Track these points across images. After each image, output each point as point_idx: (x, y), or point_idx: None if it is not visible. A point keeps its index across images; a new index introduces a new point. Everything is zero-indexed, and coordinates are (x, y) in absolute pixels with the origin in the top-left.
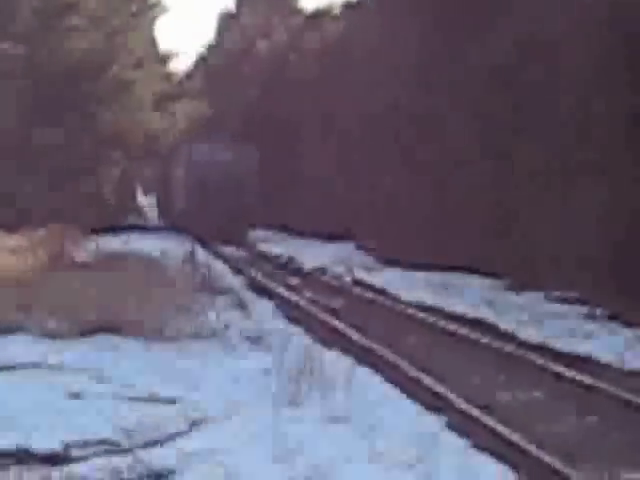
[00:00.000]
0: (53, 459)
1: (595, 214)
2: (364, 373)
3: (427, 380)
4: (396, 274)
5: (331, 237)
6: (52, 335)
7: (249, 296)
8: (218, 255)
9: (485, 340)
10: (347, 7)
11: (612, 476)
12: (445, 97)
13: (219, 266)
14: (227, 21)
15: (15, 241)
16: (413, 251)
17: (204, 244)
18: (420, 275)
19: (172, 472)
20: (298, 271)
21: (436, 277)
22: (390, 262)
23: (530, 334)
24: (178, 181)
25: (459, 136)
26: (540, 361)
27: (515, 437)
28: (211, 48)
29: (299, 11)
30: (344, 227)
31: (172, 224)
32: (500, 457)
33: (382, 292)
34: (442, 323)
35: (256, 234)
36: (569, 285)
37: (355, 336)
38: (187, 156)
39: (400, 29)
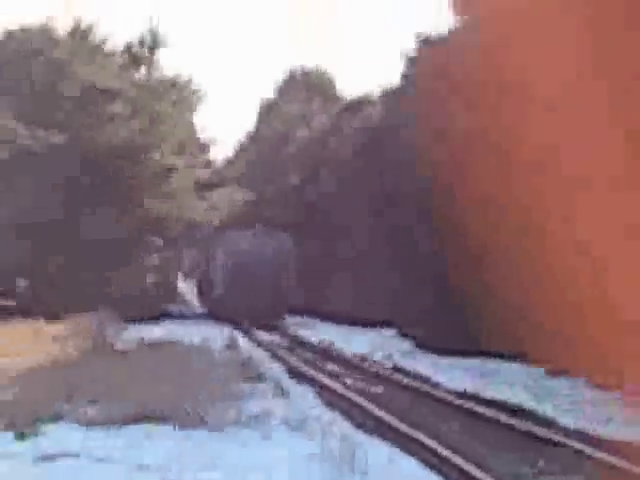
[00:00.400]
0: None
1: None
2: (404, 460)
3: (467, 466)
4: (436, 360)
5: (372, 323)
6: (93, 423)
7: (289, 383)
8: (258, 342)
9: (525, 426)
10: (386, 93)
11: None
12: None
13: (259, 353)
14: (267, 109)
15: (57, 329)
16: (453, 337)
17: (245, 331)
18: (460, 361)
19: None
20: (338, 358)
21: (475, 363)
22: (430, 348)
23: (569, 421)
24: (216, 268)
25: None
26: (579, 446)
27: None
28: (251, 135)
29: (338, 98)
30: (385, 313)
31: (211, 310)
32: None
33: (422, 378)
34: (482, 409)
35: (296, 320)
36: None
37: (395, 423)
38: (225, 244)
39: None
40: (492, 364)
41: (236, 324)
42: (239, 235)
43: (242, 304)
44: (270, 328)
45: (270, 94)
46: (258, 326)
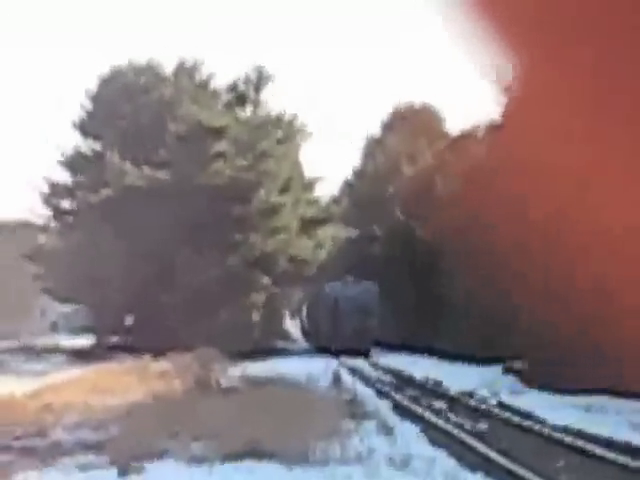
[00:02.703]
0: None
1: None
2: None
3: None
4: (542, 397)
5: (476, 359)
6: (198, 460)
7: (394, 420)
8: (363, 378)
9: (634, 464)
10: (491, 128)
11: None
12: None
13: (364, 390)
14: (372, 145)
15: (163, 365)
16: (558, 374)
17: (351, 369)
18: (566, 398)
19: None
20: (443, 394)
21: (581, 400)
22: (536, 385)
23: None
24: (318, 308)
25: None
26: None
27: None
28: (357, 172)
29: (444, 134)
30: (489, 349)
31: (314, 341)
32: None
33: (528, 415)
34: (589, 447)
35: (401, 357)
36: None
37: (501, 460)
38: (324, 289)
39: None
40: (598, 399)
41: (334, 353)
42: (335, 284)
43: (337, 335)
44: (360, 354)
45: (376, 130)
46: (349, 352)
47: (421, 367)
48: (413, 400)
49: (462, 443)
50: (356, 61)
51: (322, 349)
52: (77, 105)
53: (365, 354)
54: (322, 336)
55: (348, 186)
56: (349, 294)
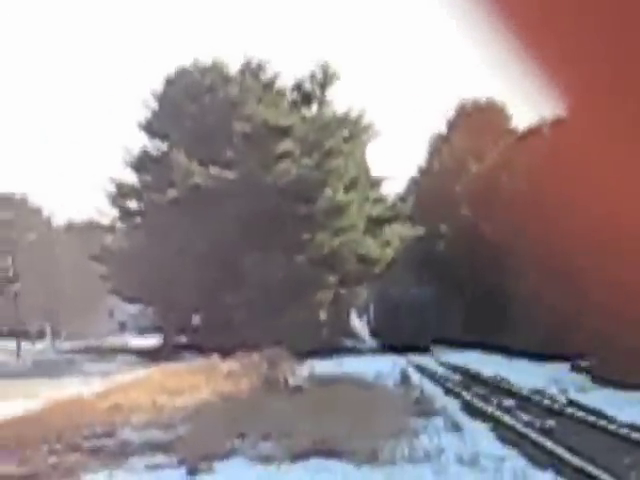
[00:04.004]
0: None
1: None
2: None
3: None
4: (610, 394)
5: (541, 356)
6: (266, 459)
7: (463, 418)
8: (431, 376)
9: None
10: (554, 124)
11: None
12: None
13: (432, 388)
14: (438, 143)
15: (230, 365)
16: (626, 371)
17: (419, 367)
18: (634, 395)
19: None
20: (511, 392)
21: None
22: (605, 382)
23: None
24: (383, 308)
25: None
26: None
27: None
28: (422, 170)
29: (511, 131)
30: (556, 346)
31: (380, 338)
32: None
33: (596, 413)
34: None
35: (467, 355)
36: None
37: (569, 457)
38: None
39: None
40: None
41: (400, 351)
42: (397, 289)
43: (400, 333)
44: (420, 350)
45: (441, 127)
46: (410, 348)
47: (487, 364)
48: (481, 398)
49: (531, 441)
50: (421, 57)
51: (389, 347)
52: (143, 105)
53: (425, 350)
54: (386, 334)
55: (414, 184)
56: (410, 293)
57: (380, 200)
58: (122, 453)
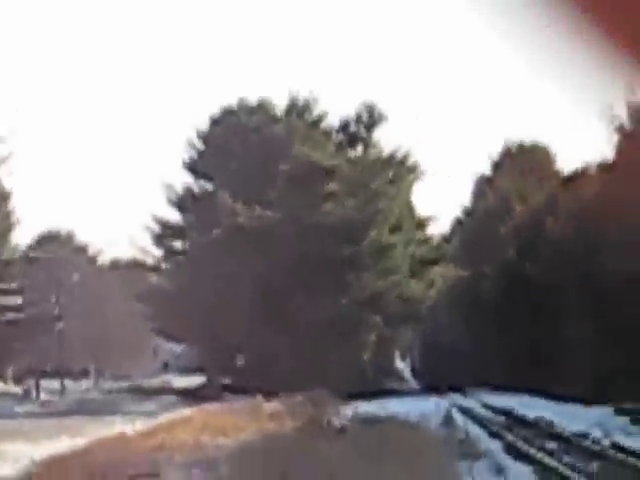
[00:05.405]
0: None
1: None
2: None
3: None
4: None
5: (586, 400)
6: None
7: (507, 460)
8: (475, 418)
9: None
10: (602, 167)
11: None
12: None
13: (476, 430)
14: (483, 184)
15: (273, 406)
16: None
17: (462, 409)
18: None
19: None
20: (555, 435)
21: None
22: None
23: None
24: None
25: None
26: None
27: None
28: (467, 211)
29: (556, 173)
30: (601, 390)
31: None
32: None
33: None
34: None
35: (511, 398)
36: None
37: None
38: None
39: None
40: None
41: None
42: (441, 330)
43: (443, 375)
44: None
45: (486, 169)
46: (453, 389)
47: (531, 407)
48: (525, 440)
49: None
50: (467, 98)
51: (432, 388)
52: (188, 145)
53: (467, 392)
54: (429, 375)
55: (458, 224)
56: (454, 335)
57: (425, 241)
58: None
